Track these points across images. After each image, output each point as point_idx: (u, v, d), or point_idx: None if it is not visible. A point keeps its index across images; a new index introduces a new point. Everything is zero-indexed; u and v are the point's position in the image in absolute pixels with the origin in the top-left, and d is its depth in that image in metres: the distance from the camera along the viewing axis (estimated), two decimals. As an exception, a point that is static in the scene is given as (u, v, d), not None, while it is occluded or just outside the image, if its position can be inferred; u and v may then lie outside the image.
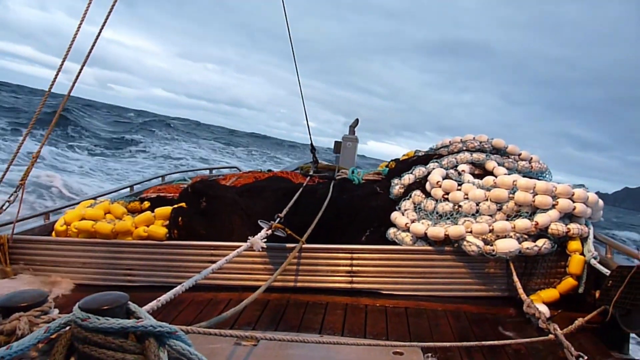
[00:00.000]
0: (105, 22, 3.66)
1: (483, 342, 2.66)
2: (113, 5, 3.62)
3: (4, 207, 3.64)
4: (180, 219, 4.01)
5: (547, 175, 4.61)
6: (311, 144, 8.38)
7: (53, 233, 4.20)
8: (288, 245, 3.67)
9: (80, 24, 3.58)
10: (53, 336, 1.09)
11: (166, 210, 4.14)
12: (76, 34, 3.58)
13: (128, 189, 5.91)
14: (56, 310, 1.23)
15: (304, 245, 3.61)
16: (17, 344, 1.03)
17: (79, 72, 3.69)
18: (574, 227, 3.50)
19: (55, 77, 3.63)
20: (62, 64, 3.62)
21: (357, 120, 8.84)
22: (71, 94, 3.69)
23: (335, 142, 8.87)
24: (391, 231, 3.93)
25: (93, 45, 3.67)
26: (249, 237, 3.16)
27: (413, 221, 3.84)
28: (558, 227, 3.47)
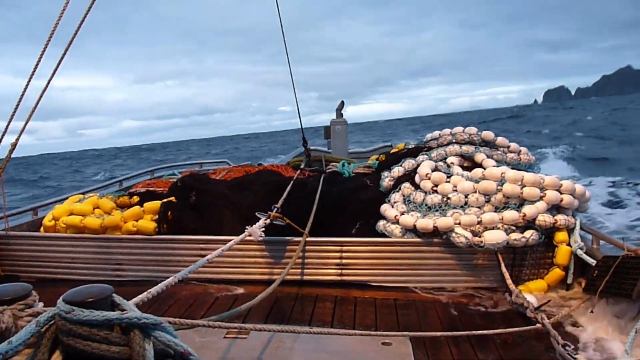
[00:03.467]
0: (52, 75, 3.47)
1: (471, 332, 2.69)
2: (61, 60, 3.42)
3: None
4: (169, 213, 4.01)
5: (536, 168, 4.65)
6: (303, 138, 8.37)
7: (41, 228, 4.18)
8: (288, 238, 3.68)
9: (29, 82, 3.45)
10: (43, 329, 1.09)
11: (155, 204, 4.13)
12: (23, 92, 3.47)
13: (117, 184, 5.89)
14: (41, 304, 1.23)
15: (298, 238, 3.62)
16: (16, 338, 1.03)
17: (22, 129, 3.60)
18: (561, 219, 3.54)
19: (1, 139, 3.53)
20: (8, 125, 3.53)
21: (342, 102, 8.78)
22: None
23: (325, 127, 8.82)
24: (381, 223, 3.95)
25: (39, 100, 3.55)
26: (247, 227, 3.15)
27: (402, 213, 3.85)
28: (545, 219, 3.51)
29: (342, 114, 8.66)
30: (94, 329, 1.04)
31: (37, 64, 3.33)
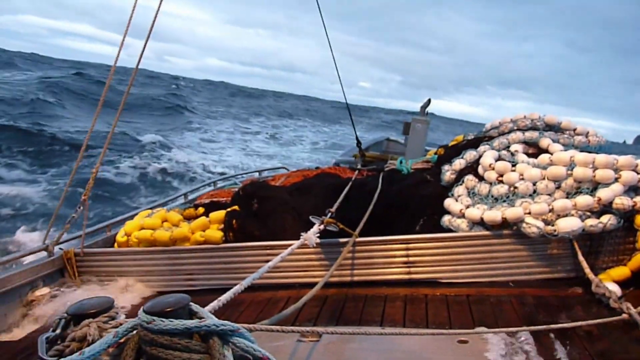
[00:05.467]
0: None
1: (551, 325, 2.56)
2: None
3: (68, 223, 3.82)
4: (234, 221, 4.09)
5: (607, 149, 4.39)
6: (356, 138, 8.35)
7: (115, 244, 4.37)
8: (341, 240, 3.66)
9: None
10: (122, 340, 1.13)
11: (220, 214, 4.22)
12: (134, 8, 3.78)
13: (182, 197, 6.08)
14: (123, 316, 1.28)
15: (358, 239, 3.59)
16: (89, 349, 1.07)
17: (144, 47, 3.90)
18: (640, 200, 3.32)
19: (118, 54, 3.88)
20: (123, 40, 3.84)
21: (429, 100, 8.46)
22: (132, 67, 3.93)
23: (405, 123, 8.57)
24: (446, 218, 3.85)
25: (155, 18, 3.87)
26: (302, 234, 3.17)
27: (468, 207, 3.74)
28: (623, 202, 3.29)
29: (426, 113, 8.36)
30: (175, 338, 1.06)
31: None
